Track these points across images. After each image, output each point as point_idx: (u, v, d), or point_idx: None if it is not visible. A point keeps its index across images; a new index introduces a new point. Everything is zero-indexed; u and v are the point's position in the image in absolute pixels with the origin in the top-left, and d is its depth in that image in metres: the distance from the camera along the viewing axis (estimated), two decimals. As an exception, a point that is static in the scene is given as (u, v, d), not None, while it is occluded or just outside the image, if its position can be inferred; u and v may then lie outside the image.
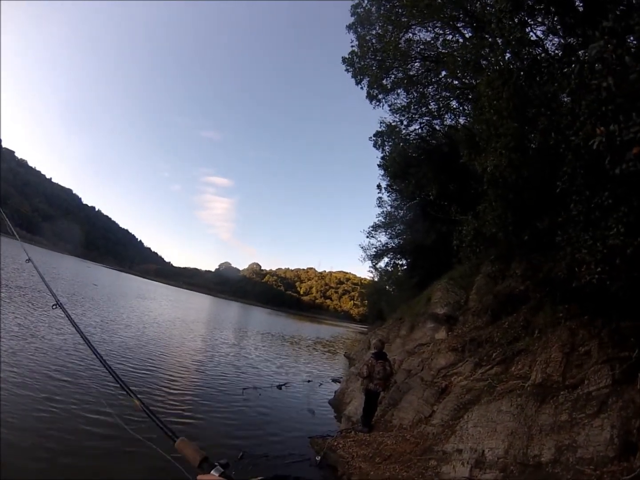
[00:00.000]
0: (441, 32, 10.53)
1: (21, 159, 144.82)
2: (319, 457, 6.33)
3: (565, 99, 3.73)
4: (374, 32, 11.53)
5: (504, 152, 4.44)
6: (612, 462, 3.40)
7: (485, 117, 4.79)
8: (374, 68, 11.67)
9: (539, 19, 4.78)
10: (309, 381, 13.32)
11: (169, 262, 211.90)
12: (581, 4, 4.22)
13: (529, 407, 4.64)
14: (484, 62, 7.04)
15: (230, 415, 7.74)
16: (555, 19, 4.42)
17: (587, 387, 4.24)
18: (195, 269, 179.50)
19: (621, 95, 2.59)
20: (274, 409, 8.99)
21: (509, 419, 4.71)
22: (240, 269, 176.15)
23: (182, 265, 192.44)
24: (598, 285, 3.33)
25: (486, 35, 5.44)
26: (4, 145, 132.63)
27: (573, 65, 3.23)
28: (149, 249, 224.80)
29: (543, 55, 4.68)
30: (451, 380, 7.30)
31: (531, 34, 5.54)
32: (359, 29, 12.02)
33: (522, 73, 4.39)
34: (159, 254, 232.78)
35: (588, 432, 3.76)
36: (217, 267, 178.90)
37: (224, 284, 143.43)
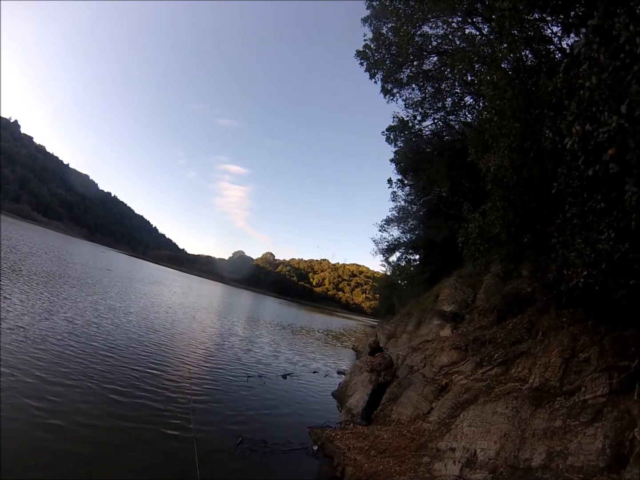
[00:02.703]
0: (457, 26, 10.23)
1: (39, 144, 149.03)
2: (316, 447, 6.49)
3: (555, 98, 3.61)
4: (390, 25, 11.28)
5: (507, 152, 4.34)
6: (601, 472, 3.37)
7: (489, 117, 4.69)
8: (388, 62, 11.47)
9: (548, 18, 4.59)
10: (314, 372, 13.50)
11: (183, 249, 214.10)
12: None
13: (524, 410, 4.61)
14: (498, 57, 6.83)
15: (232, 402, 7.93)
16: (561, 17, 4.25)
17: (584, 394, 4.18)
18: (209, 257, 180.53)
19: (600, 95, 2.50)
20: (276, 398, 9.17)
21: (503, 421, 4.70)
22: (254, 258, 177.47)
23: (196, 253, 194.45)
24: (584, 289, 3.28)
25: (502, 31, 5.26)
26: (22, 131, 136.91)
27: (562, 63, 3.13)
28: (164, 235, 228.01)
29: (556, 52, 4.52)
30: (452, 378, 7.29)
31: (549, 31, 5.33)
32: (375, 22, 11.81)
33: (532, 71, 4.25)
34: (174, 240, 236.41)
35: (580, 440, 3.73)
36: (231, 255, 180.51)
37: (237, 273, 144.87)
